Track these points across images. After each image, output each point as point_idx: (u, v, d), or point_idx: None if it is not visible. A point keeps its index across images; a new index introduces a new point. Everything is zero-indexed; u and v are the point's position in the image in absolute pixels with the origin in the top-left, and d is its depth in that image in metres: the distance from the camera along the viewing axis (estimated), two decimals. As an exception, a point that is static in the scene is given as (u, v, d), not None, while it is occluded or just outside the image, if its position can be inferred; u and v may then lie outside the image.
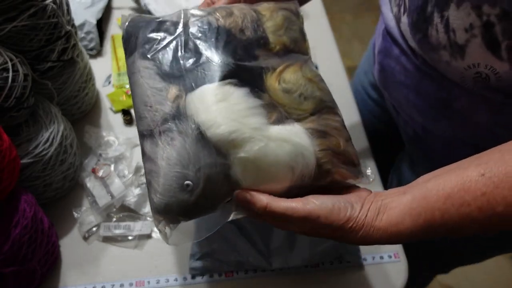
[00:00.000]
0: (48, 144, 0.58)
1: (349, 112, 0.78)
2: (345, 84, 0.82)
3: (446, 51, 0.48)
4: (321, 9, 0.95)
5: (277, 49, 0.47)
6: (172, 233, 0.43)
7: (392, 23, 0.58)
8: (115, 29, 0.88)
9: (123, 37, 0.49)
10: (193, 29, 0.46)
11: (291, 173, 0.41)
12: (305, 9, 0.94)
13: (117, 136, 0.72)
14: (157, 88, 0.44)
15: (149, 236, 0.63)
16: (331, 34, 0.90)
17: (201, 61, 0.44)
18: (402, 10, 0.53)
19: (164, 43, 0.46)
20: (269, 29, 0.48)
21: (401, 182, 0.74)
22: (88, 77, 0.72)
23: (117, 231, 0.62)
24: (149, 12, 0.85)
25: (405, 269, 0.61)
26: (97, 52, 0.84)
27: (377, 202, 0.41)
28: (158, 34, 0.47)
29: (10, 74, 0.52)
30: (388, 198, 0.41)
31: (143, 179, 0.66)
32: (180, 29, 0.46)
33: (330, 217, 0.40)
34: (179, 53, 0.45)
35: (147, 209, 0.65)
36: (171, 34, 0.46)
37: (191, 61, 0.44)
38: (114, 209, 0.64)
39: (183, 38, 0.46)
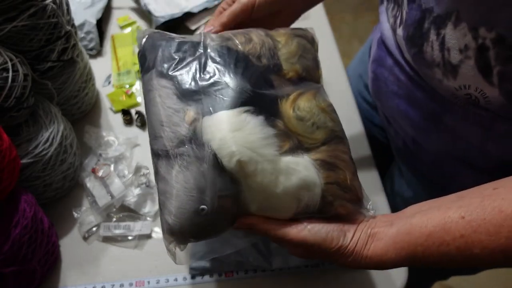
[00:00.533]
0: (48, 144, 0.58)
1: (349, 112, 0.78)
2: (345, 84, 0.82)
3: (440, 69, 0.48)
4: (321, 9, 0.95)
5: (289, 76, 0.49)
6: (180, 254, 0.46)
7: (388, 33, 0.58)
8: (115, 29, 0.88)
9: (139, 53, 0.50)
10: (212, 53, 0.47)
11: (296, 203, 0.44)
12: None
13: (117, 136, 0.71)
14: (174, 108, 0.45)
15: (149, 236, 0.63)
16: (331, 34, 0.90)
17: (219, 86, 0.45)
18: (398, 22, 0.53)
19: (184, 63, 0.46)
20: (283, 56, 0.49)
21: (393, 190, 0.74)
22: (88, 77, 0.72)
23: (117, 231, 0.62)
24: (149, 12, 0.85)
25: (405, 269, 0.61)
26: (97, 52, 0.84)
27: (367, 231, 0.44)
28: (178, 54, 0.47)
29: (10, 74, 0.52)
30: (376, 227, 0.44)
31: (143, 179, 0.66)
32: (200, 51, 0.47)
33: (322, 245, 0.43)
34: (198, 75, 0.46)
35: (147, 209, 0.65)
36: (191, 56, 0.47)
37: (209, 84, 0.45)
38: (114, 209, 0.64)
39: (202, 61, 0.46)
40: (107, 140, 0.71)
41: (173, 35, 0.51)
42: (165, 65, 0.47)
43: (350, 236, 0.44)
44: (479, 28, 0.42)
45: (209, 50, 0.47)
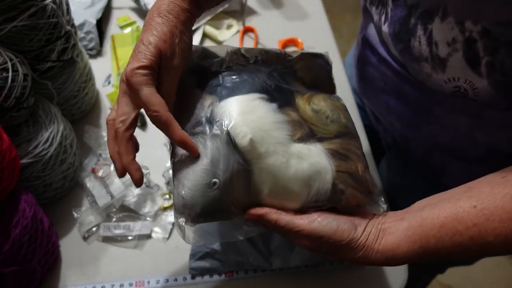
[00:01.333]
0: (48, 144, 0.58)
1: (349, 112, 0.78)
2: (345, 84, 0.82)
3: (428, 63, 0.48)
4: (321, 9, 0.95)
5: (305, 81, 0.51)
6: (189, 233, 0.45)
7: (372, 31, 0.58)
8: (115, 29, 0.88)
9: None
10: (234, 59, 0.50)
11: (307, 189, 0.44)
12: (305, 9, 0.94)
13: (117, 136, 0.71)
14: (195, 93, 0.48)
15: (149, 236, 0.63)
16: (331, 34, 0.90)
17: (238, 79, 0.48)
18: (383, 19, 0.53)
19: (210, 62, 0.50)
20: (297, 67, 0.52)
21: (386, 180, 0.74)
22: (88, 77, 0.72)
23: (117, 231, 0.62)
24: (149, 12, 0.85)
25: (404, 269, 0.61)
26: (97, 52, 0.84)
27: (378, 226, 0.43)
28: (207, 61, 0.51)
29: (10, 74, 0.52)
30: (387, 223, 0.44)
31: (143, 179, 0.66)
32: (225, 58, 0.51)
33: (333, 237, 0.42)
34: (221, 73, 0.49)
35: (147, 209, 0.64)
36: (217, 63, 0.50)
37: (229, 78, 0.48)
38: (114, 209, 0.64)
39: (226, 64, 0.50)
40: (107, 140, 0.71)
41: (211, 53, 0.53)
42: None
43: (361, 230, 0.43)
44: (465, 21, 0.42)
45: (232, 60, 0.51)
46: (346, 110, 0.50)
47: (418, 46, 0.48)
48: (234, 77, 0.48)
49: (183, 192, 0.44)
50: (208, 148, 0.43)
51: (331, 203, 0.44)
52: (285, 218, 0.43)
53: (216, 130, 0.44)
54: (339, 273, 0.60)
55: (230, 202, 0.44)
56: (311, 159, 0.44)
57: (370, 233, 0.43)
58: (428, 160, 0.62)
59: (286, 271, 0.60)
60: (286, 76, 0.50)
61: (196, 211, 0.44)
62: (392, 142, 0.67)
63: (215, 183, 0.43)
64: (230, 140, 0.43)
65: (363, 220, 0.44)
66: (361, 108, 0.80)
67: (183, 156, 0.45)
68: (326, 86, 0.54)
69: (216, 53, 0.51)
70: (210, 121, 0.45)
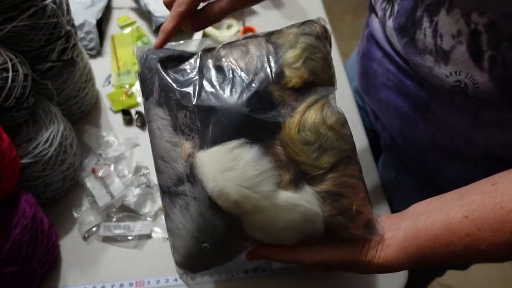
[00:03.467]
0: (48, 144, 0.58)
1: (350, 112, 0.78)
2: (345, 84, 0.82)
3: (431, 55, 0.48)
4: (321, 9, 0.95)
5: (293, 84, 0.44)
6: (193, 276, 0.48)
7: (376, 26, 0.58)
8: (115, 29, 0.88)
9: (139, 75, 0.48)
10: (207, 77, 0.44)
11: (300, 234, 0.45)
12: (305, 9, 0.94)
13: (117, 136, 0.71)
14: (172, 142, 0.44)
15: (149, 236, 0.63)
16: (331, 34, 0.90)
17: (212, 119, 0.42)
18: (388, 14, 0.53)
19: (178, 93, 0.44)
20: (286, 61, 0.45)
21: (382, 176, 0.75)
22: (88, 77, 0.72)
23: (117, 231, 0.62)
24: (149, 12, 0.85)
25: (404, 270, 0.61)
26: (97, 52, 0.84)
27: (374, 242, 0.46)
28: (174, 79, 0.45)
29: (10, 74, 0.52)
30: (385, 232, 0.46)
31: (143, 179, 0.66)
32: (195, 77, 0.44)
33: (335, 261, 0.46)
34: (192, 104, 0.43)
35: (147, 209, 0.64)
36: (186, 82, 0.44)
37: (203, 115, 0.42)
38: (114, 209, 0.64)
39: (197, 88, 0.44)
40: (107, 140, 0.71)
41: (172, 51, 0.48)
42: (162, 94, 0.45)
43: (359, 248, 0.46)
44: (471, 13, 0.43)
45: (205, 73, 0.45)
46: (342, 124, 0.45)
47: (423, 38, 0.48)
48: (207, 113, 0.42)
49: (177, 258, 0.46)
50: (192, 214, 0.43)
51: (327, 239, 0.46)
52: (286, 255, 0.47)
53: (198, 193, 0.42)
54: (339, 273, 0.60)
55: (227, 251, 0.46)
56: (301, 208, 0.42)
57: (369, 248, 0.46)
58: (424, 160, 0.62)
59: (286, 271, 0.60)
60: (270, 89, 0.43)
61: (195, 269, 0.47)
62: (390, 140, 0.67)
63: (205, 247, 0.43)
64: (214, 203, 0.41)
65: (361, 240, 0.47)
66: (361, 109, 0.80)
67: (170, 214, 0.45)
68: (322, 76, 0.46)
69: (185, 57, 0.46)
70: (190, 180, 0.42)
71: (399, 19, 0.51)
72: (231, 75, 0.44)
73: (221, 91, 0.43)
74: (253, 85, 0.43)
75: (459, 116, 0.52)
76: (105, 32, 0.88)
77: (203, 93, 0.43)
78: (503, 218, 0.38)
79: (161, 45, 0.48)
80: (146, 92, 0.47)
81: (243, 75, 0.44)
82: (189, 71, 0.45)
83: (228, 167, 0.41)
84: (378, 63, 0.59)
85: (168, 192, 0.45)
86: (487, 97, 0.46)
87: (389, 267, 0.45)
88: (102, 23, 0.87)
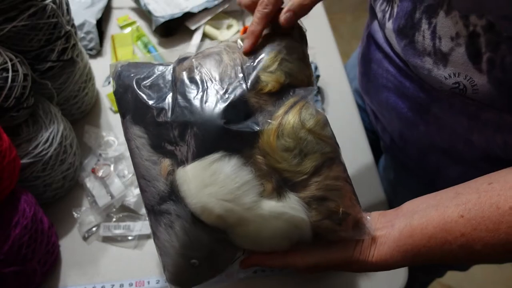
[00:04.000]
0: (48, 144, 0.58)
1: (349, 112, 0.78)
2: (345, 84, 0.82)
3: (430, 57, 0.48)
4: (321, 9, 0.95)
5: (269, 89, 0.43)
6: None
7: (376, 27, 0.58)
8: (115, 29, 0.88)
9: (115, 93, 0.47)
10: (181, 91, 0.43)
11: (288, 241, 0.45)
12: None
13: (117, 136, 0.71)
14: (151, 161, 0.44)
15: (149, 236, 0.63)
16: (331, 34, 0.90)
17: (189, 134, 0.41)
18: (387, 16, 0.53)
19: (153, 110, 0.43)
20: (261, 66, 0.44)
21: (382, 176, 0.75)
22: (88, 77, 0.72)
23: (117, 231, 0.62)
24: (149, 12, 0.85)
25: (404, 270, 0.61)
26: (97, 52, 0.84)
27: (367, 242, 0.46)
28: (149, 96, 0.44)
29: (10, 74, 0.52)
30: (378, 230, 0.45)
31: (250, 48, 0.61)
32: (168, 91, 0.44)
33: (327, 263, 0.46)
34: (168, 120, 0.43)
35: (147, 209, 0.65)
36: (160, 98, 0.44)
37: (180, 130, 0.42)
38: (114, 209, 0.64)
39: (171, 103, 0.43)
40: (107, 140, 0.71)
41: (146, 65, 0.47)
42: (137, 111, 0.44)
43: (352, 248, 0.46)
44: (470, 15, 0.43)
45: (178, 87, 0.44)
46: (323, 126, 0.43)
47: (422, 40, 0.48)
48: (182, 128, 0.42)
49: (167, 275, 0.46)
50: (177, 232, 0.43)
51: (316, 243, 0.46)
52: (278, 261, 0.47)
53: (180, 210, 0.42)
54: (339, 273, 0.60)
55: (216, 264, 0.45)
56: (286, 216, 0.42)
57: (362, 247, 0.45)
58: (424, 161, 0.62)
59: (286, 271, 0.60)
60: (246, 97, 0.42)
61: (186, 285, 0.46)
62: (390, 142, 0.67)
63: (194, 263, 0.43)
64: (198, 219, 0.41)
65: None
66: (362, 109, 0.80)
67: (156, 232, 0.45)
68: (300, 78, 0.45)
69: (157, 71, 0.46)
70: (172, 198, 0.42)
71: (398, 21, 0.51)
72: (205, 87, 0.43)
73: (195, 104, 0.42)
74: (228, 95, 0.42)
75: (458, 118, 0.52)
76: (105, 32, 0.88)
77: (177, 108, 0.42)
78: (499, 219, 0.38)
79: (251, 49, 0.46)
80: (123, 111, 0.46)
81: (217, 86, 0.43)
82: (162, 85, 0.45)
83: (208, 183, 0.40)
84: (378, 64, 0.59)
85: (153, 211, 0.45)
86: (486, 99, 0.46)
87: (384, 266, 0.45)
88: (102, 23, 0.87)
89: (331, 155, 0.43)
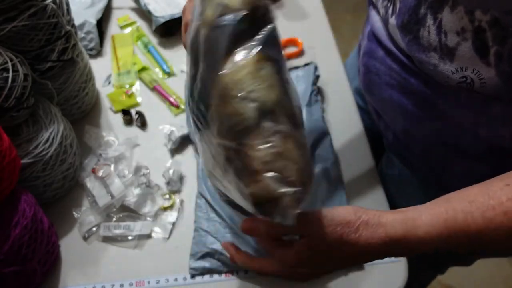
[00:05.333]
0: (48, 144, 0.58)
1: (350, 112, 0.78)
2: (345, 84, 0.82)
3: (436, 53, 0.48)
4: (321, 9, 0.95)
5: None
6: None
7: (378, 24, 0.58)
8: (115, 29, 0.88)
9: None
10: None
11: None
12: (305, 9, 0.94)
13: (117, 136, 0.71)
14: None
15: (149, 236, 0.63)
16: (331, 34, 0.90)
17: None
18: (390, 11, 0.53)
19: None
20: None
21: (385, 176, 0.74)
22: (88, 77, 0.72)
23: (117, 231, 0.62)
24: (149, 12, 0.85)
25: (405, 269, 0.61)
26: (97, 52, 0.84)
27: (387, 211, 0.41)
28: None
29: (10, 74, 0.52)
30: (400, 209, 0.41)
31: (143, 179, 0.66)
32: None
33: (337, 211, 0.41)
34: None
35: (147, 209, 0.64)
36: None
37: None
38: (114, 209, 0.64)
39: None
40: (107, 140, 0.71)
41: None
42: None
43: (357, 209, 0.41)
44: (475, 11, 0.43)
45: None
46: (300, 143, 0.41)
47: (427, 35, 0.48)
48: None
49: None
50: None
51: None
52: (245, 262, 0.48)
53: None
54: (339, 273, 0.60)
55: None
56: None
57: (370, 211, 0.40)
58: (428, 158, 0.62)
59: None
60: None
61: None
62: (393, 139, 0.67)
63: None
64: None
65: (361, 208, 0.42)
66: (362, 109, 0.80)
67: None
68: None
69: None
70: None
71: (401, 17, 0.51)
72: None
73: None
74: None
75: (465, 112, 0.52)
76: (105, 32, 0.88)
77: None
78: None
79: None
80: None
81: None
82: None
83: None
84: (381, 62, 0.59)
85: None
86: (494, 92, 0.46)
87: (409, 228, 0.38)
88: (102, 23, 0.87)
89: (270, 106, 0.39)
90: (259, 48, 0.40)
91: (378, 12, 0.58)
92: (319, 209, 0.42)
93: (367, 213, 0.40)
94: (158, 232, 0.63)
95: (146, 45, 0.85)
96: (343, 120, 0.76)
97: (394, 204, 0.69)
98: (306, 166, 0.39)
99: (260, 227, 0.46)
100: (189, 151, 0.72)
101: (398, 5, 0.52)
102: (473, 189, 0.39)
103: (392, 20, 0.53)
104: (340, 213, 0.41)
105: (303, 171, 0.38)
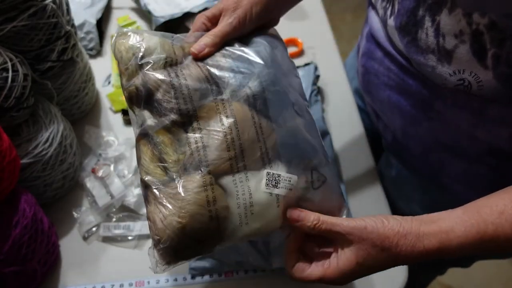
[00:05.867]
0: (48, 144, 0.58)
1: (350, 112, 0.78)
2: (345, 84, 0.82)
3: (434, 55, 0.48)
4: (321, 9, 0.95)
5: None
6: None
7: (377, 25, 0.58)
8: (115, 29, 0.88)
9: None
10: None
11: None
12: (305, 9, 0.94)
13: (117, 136, 0.71)
14: None
15: (148, 236, 0.63)
16: (331, 34, 0.90)
17: None
18: (388, 13, 0.53)
19: None
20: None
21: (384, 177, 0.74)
22: (88, 77, 0.72)
23: (117, 231, 0.62)
24: (149, 12, 0.85)
25: (405, 269, 0.61)
26: (97, 52, 0.84)
27: (420, 216, 0.40)
28: None
29: (10, 74, 0.52)
30: (430, 214, 0.40)
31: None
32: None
33: (375, 225, 0.40)
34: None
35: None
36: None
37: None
38: (114, 209, 0.64)
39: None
40: (107, 140, 0.71)
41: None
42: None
43: (399, 218, 0.40)
44: (473, 13, 0.43)
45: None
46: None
47: (425, 38, 0.48)
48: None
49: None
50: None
51: None
52: (325, 217, 0.41)
53: None
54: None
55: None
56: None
57: (413, 220, 0.40)
58: (427, 158, 0.62)
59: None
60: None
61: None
62: (392, 139, 0.67)
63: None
64: None
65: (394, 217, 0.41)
66: (362, 110, 0.80)
67: None
68: None
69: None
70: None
71: (400, 18, 0.51)
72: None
73: None
74: None
75: (462, 114, 0.52)
76: (105, 32, 0.88)
77: None
78: None
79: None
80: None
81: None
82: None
83: None
84: (379, 63, 0.59)
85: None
86: (491, 95, 0.47)
87: (443, 241, 0.38)
88: (102, 23, 0.87)
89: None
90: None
91: (377, 13, 0.58)
92: (363, 222, 0.41)
93: (403, 225, 0.40)
94: (158, 232, 0.63)
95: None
96: (343, 120, 0.76)
97: (393, 204, 0.69)
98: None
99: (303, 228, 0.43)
100: (189, 151, 0.71)
101: (396, 6, 0.52)
102: (502, 199, 0.39)
103: (391, 21, 0.53)
104: (379, 229, 0.40)
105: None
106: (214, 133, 0.40)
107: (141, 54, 0.42)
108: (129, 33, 0.43)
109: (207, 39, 0.45)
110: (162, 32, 0.46)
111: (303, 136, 0.44)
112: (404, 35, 0.51)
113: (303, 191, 0.42)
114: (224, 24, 0.46)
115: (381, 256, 0.40)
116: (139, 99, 0.42)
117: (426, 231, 0.39)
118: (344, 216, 0.46)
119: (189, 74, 0.42)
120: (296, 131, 0.43)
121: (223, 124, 0.40)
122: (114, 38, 0.44)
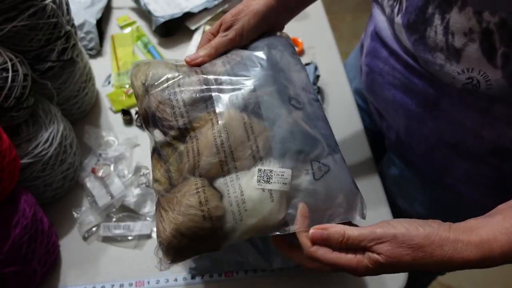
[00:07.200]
0: (48, 144, 0.58)
1: (350, 112, 0.78)
2: (345, 84, 0.82)
3: (442, 53, 0.48)
4: (321, 9, 0.95)
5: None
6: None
7: (383, 24, 0.58)
8: (115, 29, 0.88)
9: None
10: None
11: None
12: (305, 9, 0.94)
13: (117, 136, 0.71)
14: None
15: (149, 236, 0.63)
16: (331, 34, 0.90)
17: None
18: (396, 10, 0.53)
19: None
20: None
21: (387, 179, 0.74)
22: (88, 77, 0.72)
23: (117, 231, 0.62)
24: (149, 12, 0.85)
25: (405, 269, 0.61)
26: (97, 52, 0.84)
27: (458, 225, 0.39)
28: None
29: (10, 74, 0.52)
30: (468, 221, 0.39)
31: (143, 179, 0.66)
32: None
33: (408, 233, 0.38)
34: None
35: (147, 209, 0.64)
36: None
37: None
38: (114, 209, 0.64)
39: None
40: (107, 140, 0.71)
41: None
42: None
43: (436, 225, 0.39)
44: (483, 12, 0.43)
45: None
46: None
47: (434, 36, 0.48)
48: None
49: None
50: None
51: None
52: (351, 228, 0.40)
53: None
54: (339, 273, 0.60)
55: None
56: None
57: (451, 228, 0.38)
58: (431, 158, 0.62)
59: (286, 271, 0.60)
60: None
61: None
62: (395, 139, 0.67)
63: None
64: None
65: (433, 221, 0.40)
66: (362, 109, 0.80)
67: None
68: None
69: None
70: None
71: (408, 16, 0.51)
72: None
73: None
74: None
75: (469, 113, 0.52)
76: (105, 32, 0.88)
77: None
78: None
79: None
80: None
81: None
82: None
83: None
84: (384, 62, 0.59)
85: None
86: (499, 94, 0.46)
87: (485, 250, 0.37)
88: (102, 23, 0.87)
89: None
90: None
91: (383, 11, 0.58)
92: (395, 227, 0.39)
93: (440, 235, 0.38)
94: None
95: (146, 45, 0.85)
96: (343, 120, 0.76)
97: (394, 204, 0.69)
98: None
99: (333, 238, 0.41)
100: (189, 151, 0.71)
101: (404, 4, 0.51)
102: None
103: (398, 19, 0.53)
104: (413, 238, 0.38)
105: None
106: (204, 139, 0.43)
107: (148, 80, 0.47)
108: (139, 64, 0.49)
109: (203, 50, 0.49)
110: (168, 59, 0.51)
111: (300, 129, 0.44)
112: (412, 33, 0.51)
113: (303, 183, 0.42)
114: (220, 37, 0.50)
115: (412, 265, 0.38)
116: (149, 119, 0.47)
117: (466, 240, 0.37)
118: (359, 206, 0.44)
119: (189, 84, 0.46)
120: (292, 126, 0.44)
121: (213, 129, 0.43)
122: (130, 71, 0.50)
